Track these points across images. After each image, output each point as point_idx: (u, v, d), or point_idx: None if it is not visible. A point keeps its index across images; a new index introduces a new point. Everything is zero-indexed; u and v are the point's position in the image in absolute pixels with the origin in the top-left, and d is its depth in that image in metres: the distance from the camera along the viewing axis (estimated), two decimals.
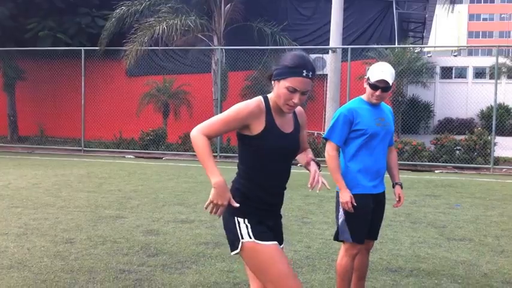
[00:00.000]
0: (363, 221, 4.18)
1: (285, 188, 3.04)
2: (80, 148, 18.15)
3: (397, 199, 4.38)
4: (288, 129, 2.91)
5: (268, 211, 2.93)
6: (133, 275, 4.98)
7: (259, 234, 2.80)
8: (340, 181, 4.13)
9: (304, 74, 2.74)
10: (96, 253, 5.70)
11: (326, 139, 4.24)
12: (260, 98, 2.86)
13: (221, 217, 2.89)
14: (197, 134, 2.76)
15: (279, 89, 2.79)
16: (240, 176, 2.91)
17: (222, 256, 5.62)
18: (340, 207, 4.21)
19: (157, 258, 5.53)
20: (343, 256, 4.26)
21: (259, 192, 2.87)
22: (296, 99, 2.77)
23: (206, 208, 2.72)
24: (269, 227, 2.90)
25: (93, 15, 20.61)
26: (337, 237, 4.30)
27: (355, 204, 4.09)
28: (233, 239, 2.85)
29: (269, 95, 2.88)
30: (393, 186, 4.40)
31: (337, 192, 4.27)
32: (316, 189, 3.00)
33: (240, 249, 2.82)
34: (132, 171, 12.87)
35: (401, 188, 4.39)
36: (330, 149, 4.18)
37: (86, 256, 5.58)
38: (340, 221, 4.21)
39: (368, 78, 4.16)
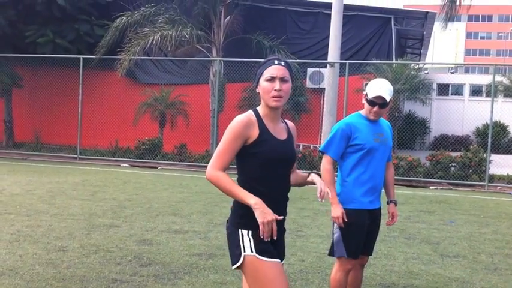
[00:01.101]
0: (358, 236, 4.18)
1: (287, 198, 3.04)
2: (75, 156, 18.11)
3: (391, 217, 4.39)
4: (282, 136, 2.97)
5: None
6: (125, 285, 4.95)
7: (262, 250, 2.78)
8: (333, 196, 4.12)
9: (276, 62, 2.88)
10: (89, 262, 5.67)
11: (322, 152, 4.25)
12: (250, 111, 2.96)
13: (225, 228, 2.94)
14: (213, 172, 2.83)
15: (261, 88, 2.89)
16: (242, 186, 2.88)
17: (215, 268, 5.59)
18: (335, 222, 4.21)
19: (150, 268, 5.50)
20: (337, 271, 4.24)
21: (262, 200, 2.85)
22: (277, 85, 2.85)
23: (263, 236, 2.72)
24: (273, 241, 2.85)
25: (93, 23, 20.67)
26: (332, 252, 4.29)
27: (345, 220, 4.08)
28: (235, 252, 2.84)
29: (258, 108, 2.98)
30: (388, 203, 4.40)
31: None
32: (326, 199, 3.06)
33: (241, 263, 2.80)
34: (127, 180, 12.83)
35: (396, 205, 4.40)
36: (325, 163, 4.18)
37: (78, 264, 5.55)
38: (335, 236, 4.21)
39: (366, 94, 4.18)
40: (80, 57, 18.37)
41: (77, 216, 8.05)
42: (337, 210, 4.09)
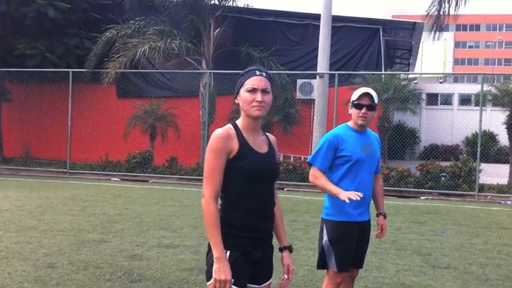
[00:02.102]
0: (348, 249, 4.16)
1: (272, 213, 2.95)
2: (65, 170, 18.01)
3: (380, 230, 4.38)
4: (263, 149, 2.90)
5: (256, 240, 2.83)
6: None
7: (233, 275, 2.70)
8: (334, 187, 3.98)
9: (257, 73, 2.84)
10: (78, 278, 5.62)
11: (310, 164, 4.23)
12: (228, 124, 2.89)
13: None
14: (208, 201, 2.74)
15: (241, 99, 2.84)
16: (223, 204, 2.83)
17: (206, 282, 5.54)
18: (325, 234, 4.18)
19: (140, 284, 5.45)
20: (328, 284, 4.23)
21: (244, 218, 2.78)
22: (259, 97, 2.80)
23: None
24: (253, 260, 2.80)
25: (82, 36, 20.67)
26: (321, 265, 4.27)
27: (361, 195, 3.78)
28: (208, 270, 2.79)
29: (237, 121, 2.92)
30: (377, 216, 4.39)
31: (322, 219, 4.26)
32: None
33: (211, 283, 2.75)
34: (118, 194, 12.77)
35: (385, 218, 4.40)
36: (314, 172, 4.17)
37: (68, 281, 5.49)
38: (325, 249, 4.19)
39: (352, 101, 4.18)
40: (69, 71, 18.34)
41: (66, 232, 7.98)
42: (346, 192, 3.82)
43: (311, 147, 17.66)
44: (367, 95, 4.11)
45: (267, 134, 3.04)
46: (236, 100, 2.88)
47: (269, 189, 2.92)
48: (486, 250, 7.64)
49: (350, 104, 4.22)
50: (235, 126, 2.87)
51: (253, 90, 2.81)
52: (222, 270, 2.65)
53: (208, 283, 2.76)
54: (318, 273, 6.09)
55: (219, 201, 2.81)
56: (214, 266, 2.67)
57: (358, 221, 4.18)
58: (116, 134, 19.51)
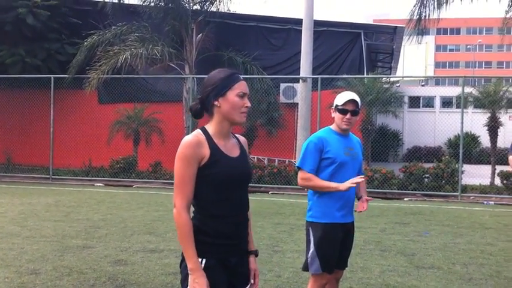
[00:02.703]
0: (332, 250, 4.19)
1: (247, 218, 2.89)
2: (48, 176, 17.86)
3: (364, 201, 4.35)
4: (234, 153, 2.82)
5: (230, 246, 2.77)
6: None
7: (210, 283, 2.64)
8: (331, 183, 4.07)
9: (242, 78, 2.81)
10: (62, 284, 5.57)
11: (299, 168, 4.26)
12: (197, 130, 2.79)
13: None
14: (180, 212, 2.65)
15: (228, 102, 2.74)
16: (196, 211, 2.74)
17: None
18: (311, 236, 4.20)
19: None
20: (312, 285, 4.24)
21: (218, 224, 2.72)
22: (247, 102, 2.77)
23: None
24: (229, 266, 2.75)
25: (63, 42, 20.55)
26: (306, 267, 4.29)
27: (359, 180, 3.95)
28: (183, 280, 2.72)
29: (206, 126, 2.81)
30: (358, 199, 4.41)
31: (307, 222, 4.28)
32: None
33: None
34: (101, 200, 12.68)
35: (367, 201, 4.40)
36: (303, 175, 4.21)
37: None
38: (310, 251, 4.20)
39: (336, 105, 4.22)
40: (51, 77, 18.22)
41: (49, 238, 7.91)
42: (343, 184, 3.97)
43: (295, 150, 17.70)
44: (352, 101, 4.16)
45: (237, 135, 2.95)
46: (217, 103, 2.74)
47: (243, 193, 2.85)
48: (469, 250, 7.72)
49: (333, 108, 4.25)
50: (205, 132, 2.77)
51: (243, 96, 2.77)
52: (196, 282, 2.59)
53: None
54: (303, 275, 6.11)
55: (191, 209, 2.74)
56: (189, 278, 2.61)
57: (342, 223, 4.22)
58: (99, 140, 19.39)
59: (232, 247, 2.78)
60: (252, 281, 2.92)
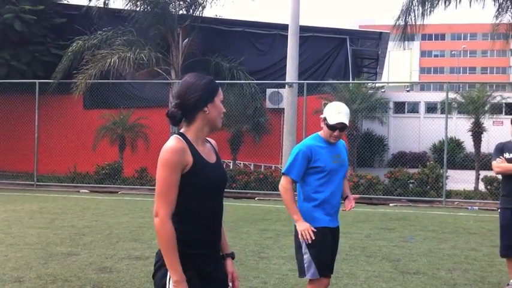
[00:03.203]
0: (326, 253, 4.28)
1: (221, 224, 2.87)
2: (33, 182, 17.69)
3: (350, 202, 4.48)
4: (211, 158, 2.81)
5: (207, 255, 2.75)
6: None
7: None
8: (296, 212, 4.23)
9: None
10: None
11: (285, 174, 4.32)
12: (175, 136, 2.72)
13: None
14: (163, 221, 2.58)
15: (216, 108, 2.76)
16: (175, 220, 2.62)
17: None
18: (302, 242, 4.24)
19: None
20: None
21: (198, 233, 2.69)
22: (224, 108, 2.83)
23: None
24: (206, 275, 2.72)
25: (48, 45, 20.46)
26: (303, 273, 4.32)
27: (314, 230, 4.14)
28: None
29: (182, 130, 2.77)
30: (344, 199, 4.51)
31: (295, 226, 4.32)
32: None
33: None
34: (86, 206, 12.60)
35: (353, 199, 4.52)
36: (285, 183, 4.30)
37: None
38: (305, 257, 4.24)
39: (325, 119, 4.27)
40: (35, 82, 18.10)
41: (33, 246, 7.85)
42: (303, 224, 4.16)
43: (281, 156, 17.71)
44: (342, 123, 4.23)
45: (208, 138, 2.91)
46: (206, 109, 2.72)
47: (220, 199, 2.84)
48: (454, 255, 7.77)
49: (322, 118, 4.30)
50: (185, 138, 2.71)
51: (222, 101, 2.81)
52: None
53: None
54: (289, 281, 6.12)
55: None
56: None
57: (330, 227, 4.29)
58: (84, 145, 19.27)
59: (208, 256, 2.76)
60: (230, 284, 2.90)
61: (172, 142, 2.65)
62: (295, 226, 4.31)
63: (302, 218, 4.21)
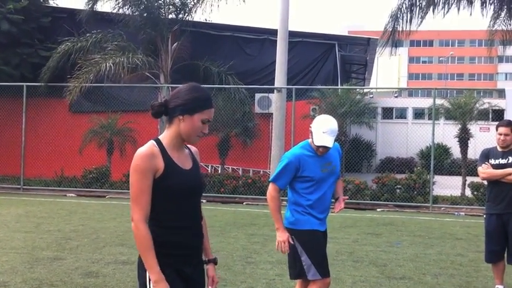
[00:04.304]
0: (323, 253, 4.37)
1: (200, 228, 2.92)
2: (19, 186, 17.55)
3: (340, 202, 4.53)
4: (187, 165, 2.86)
5: (185, 256, 2.81)
6: None
7: None
8: (279, 221, 4.34)
9: (212, 106, 2.85)
10: None
11: (272, 182, 4.40)
12: (151, 141, 2.81)
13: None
14: (138, 225, 2.67)
15: (193, 123, 2.78)
16: (151, 223, 2.73)
17: None
18: (297, 244, 4.31)
19: None
20: None
21: (173, 236, 2.76)
22: (206, 129, 2.83)
23: None
24: (184, 277, 2.78)
25: (36, 47, 20.36)
26: (298, 275, 4.36)
27: (292, 242, 4.25)
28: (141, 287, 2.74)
29: (160, 136, 2.84)
30: (337, 199, 4.56)
31: (289, 229, 4.39)
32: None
33: None
34: (73, 211, 12.52)
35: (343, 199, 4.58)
36: (272, 190, 4.39)
37: None
38: (302, 259, 4.28)
39: (312, 135, 4.30)
40: (23, 85, 17.99)
41: (19, 250, 7.79)
42: (283, 235, 4.27)
43: (270, 160, 17.72)
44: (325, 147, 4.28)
45: (188, 146, 2.97)
46: (181, 117, 2.78)
47: (196, 204, 2.90)
48: (440, 260, 7.82)
49: (311, 131, 4.32)
50: (159, 143, 2.80)
51: (206, 122, 2.82)
52: None
53: None
54: (276, 286, 6.13)
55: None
56: None
57: (321, 230, 4.40)
58: (72, 149, 19.14)
59: (187, 257, 2.83)
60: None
61: (144, 148, 2.76)
62: (289, 231, 4.38)
63: (284, 228, 4.30)
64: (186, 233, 2.81)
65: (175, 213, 2.77)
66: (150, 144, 2.78)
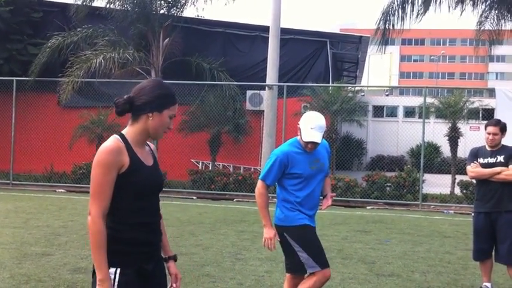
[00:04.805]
0: (319, 245, 4.40)
1: (159, 225, 2.91)
2: (8, 181, 17.45)
3: (327, 200, 4.55)
4: (149, 161, 2.85)
5: (146, 253, 2.78)
6: None
7: None
8: (267, 218, 4.36)
9: (177, 101, 2.85)
10: None
11: (261, 180, 4.45)
12: (115, 136, 2.77)
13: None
14: (95, 220, 2.63)
15: (162, 119, 2.78)
16: (111, 220, 2.69)
17: None
18: (291, 240, 4.32)
19: None
20: (314, 282, 4.34)
21: (134, 233, 2.72)
22: (172, 124, 2.84)
23: None
24: (145, 275, 2.76)
25: (26, 42, 20.22)
26: (298, 270, 4.37)
27: (278, 239, 4.32)
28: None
29: (124, 131, 2.82)
30: (325, 196, 4.57)
31: (280, 226, 4.42)
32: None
33: None
34: (63, 206, 12.47)
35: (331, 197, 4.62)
36: (261, 187, 4.41)
37: None
38: (299, 254, 4.29)
39: (300, 131, 4.32)
40: (13, 79, 17.87)
41: (7, 245, 7.75)
42: (270, 232, 4.30)
43: (260, 158, 17.73)
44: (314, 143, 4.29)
45: (147, 142, 2.95)
46: (150, 115, 2.76)
47: (156, 201, 2.89)
48: (428, 258, 7.86)
49: (299, 126, 4.34)
50: (124, 139, 2.76)
51: (172, 117, 2.82)
52: None
53: None
54: (265, 282, 6.14)
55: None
56: None
57: (311, 225, 4.40)
58: (62, 145, 19.05)
59: (148, 254, 2.81)
60: (174, 285, 2.94)
61: (109, 142, 2.71)
62: (278, 226, 4.40)
63: (271, 224, 4.33)
64: (146, 230, 2.78)
65: (137, 210, 2.73)
66: (115, 139, 2.74)
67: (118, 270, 2.66)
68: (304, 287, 4.35)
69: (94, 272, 2.70)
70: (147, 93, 2.77)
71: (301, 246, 4.29)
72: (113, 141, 2.72)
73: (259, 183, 4.43)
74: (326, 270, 4.36)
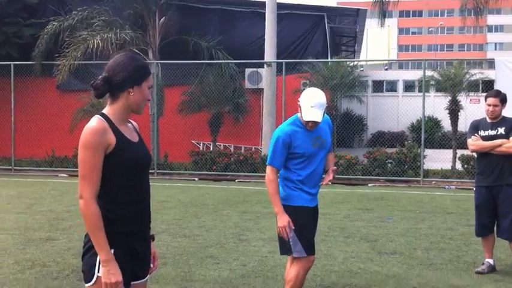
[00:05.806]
0: (310, 231, 4.37)
1: (149, 203, 2.90)
2: (10, 167, 17.45)
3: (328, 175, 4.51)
4: (134, 138, 2.84)
5: (136, 234, 2.79)
6: None
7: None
8: (279, 205, 4.28)
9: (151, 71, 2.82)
10: (24, 278, 5.52)
11: (269, 165, 4.39)
12: (97, 116, 2.75)
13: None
14: (87, 203, 2.63)
15: (142, 92, 2.77)
16: (102, 200, 2.69)
17: (156, 278, 5.53)
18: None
19: None
20: (300, 269, 4.35)
21: (125, 212, 2.72)
22: (150, 96, 2.84)
23: None
24: (136, 254, 2.78)
25: (21, 25, 20.09)
26: (287, 251, 4.38)
27: (293, 227, 4.22)
28: (88, 270, 2.70)
29: (104, 110, 2.80)
30: (327, 171, 4.56)
31: (284, 206, 4.40)
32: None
33: (94, 283, 2.68)
34: (65, 191, 12.49)
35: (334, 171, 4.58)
36: (270, 173, 4.35)
37: (13, 281, 5.40)
38: (290, 235, 4.28)
39: (300, 110, 4.28)
40: (10, 64, 17.76)
41: (11, 231, 7.79)
42: (283, 219, 4.25)
43: (261, 137, 17.71)
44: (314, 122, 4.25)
45: (129, 120, 2.93)
46: (131, 90, 2.74)
47: (146, 178, 2.89)
48: (430, 235, 7.89)
49: (299, 105, 4.30)
50: (106, 118, 2.74)
51: (150, 87, 2.82)
52: (111, 273, 2.60)
53: (88, 284, 2.71)
54: (268, 263, 6.18)
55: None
56: (102, 270, 2.60)
57: (311, 206, 4.39)
58: (62, 129, 18.96)
59: (139, 234, 2.82)
60: (151, 265, 2.97)
61: (93, 123, 2.69)
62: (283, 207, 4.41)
63: (283, 211, 4.25)
64: (138, 208, 2.79)
65: (128, 188, 2.73)
66: (98, 119, 2.71)
67: (111, 251, 2.65)
68: (292, 274, 4.36)
69: (86, 251, 2.71)
70: (124, 69, 2.73)
71: (294, 228, 4.28)
72: (96, 121, 2.69)
73: (268, 169, 4.34)
74: (311, 257, 4.36)
